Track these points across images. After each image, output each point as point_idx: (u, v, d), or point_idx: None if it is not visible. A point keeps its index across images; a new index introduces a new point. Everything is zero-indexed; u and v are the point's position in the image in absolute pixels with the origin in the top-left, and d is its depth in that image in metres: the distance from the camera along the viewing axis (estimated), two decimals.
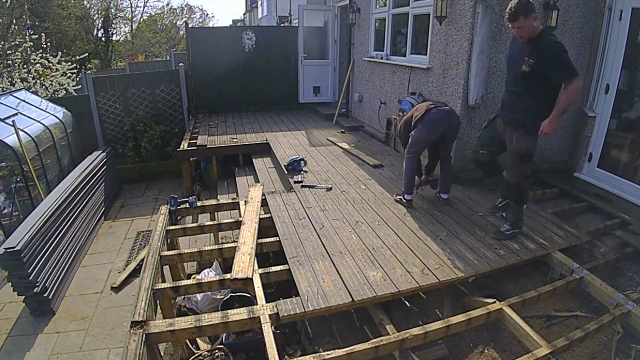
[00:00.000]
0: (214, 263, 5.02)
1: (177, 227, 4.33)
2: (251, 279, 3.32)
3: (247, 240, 3.80)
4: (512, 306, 3.11)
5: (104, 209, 7.79)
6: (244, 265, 3.43)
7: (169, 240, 4.20)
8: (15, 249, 4.61)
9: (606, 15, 4.97)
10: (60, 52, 11.76)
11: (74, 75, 11.57)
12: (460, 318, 2.99)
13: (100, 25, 25.46)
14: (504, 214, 4.32)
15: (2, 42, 10.82)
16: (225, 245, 3.93)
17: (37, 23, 17.66)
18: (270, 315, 2.91)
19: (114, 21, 26.90)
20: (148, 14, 31.71)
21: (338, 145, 7.22)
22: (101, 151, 8.54)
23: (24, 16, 15.89)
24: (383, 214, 4.53)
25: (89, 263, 6.26)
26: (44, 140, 7.25)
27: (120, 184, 9.27)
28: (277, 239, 4.00)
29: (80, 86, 11.43)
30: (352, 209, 4.67)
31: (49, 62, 10.99)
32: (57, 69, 11.12)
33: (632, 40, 4.74)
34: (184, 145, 7.58)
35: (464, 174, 5.33)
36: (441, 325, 2.92)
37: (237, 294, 4.73)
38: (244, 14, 41.82)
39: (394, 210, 4.60)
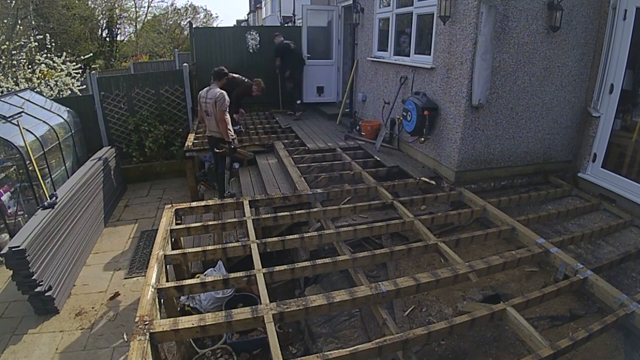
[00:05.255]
0: (218, 262, 5.05)
1: (181, 226, 4.33)
2: None
3: None
4: (515, 307, 3.10)
5: (108, 208, 7.82)
6: None
7: (173, 239, 4.21)
8: (19, 248, 4.64)
9: (610, 15, 4.95)
10: (64, 53, 11.82)
11: (79, 75, 11.62)
12: (464, 318, 2.98)
13: (104, 25, 25.57)
14: None
15: (7, 43, 10.86)
16: (229, 245, 3.93)
17: (41, 23, 17.75)
18: (274, 314, 2.91)
19: (119, 21, 27.02)
20: (152, 15, 31.83)
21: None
22: (105, 151, 8.58)
23: (28, 17, 15.96)
24: None
25: (94, 262, 6.29)
26: (48, 140, 7.30)
27: (125, 183, 9.31)
28: (282, 239, 4.00)
29: (84, 86, 11.47)
30: None
31: (53, 62, 11.04)
32: (61, 69, 11.17)
33: (636, 39, 4.73)
34: (188, 145, 7.60)
35: None
36: (445, 325, 2.91)
37: (240, 293, 4.75)
38: (248, 14, 41.93)
39: None
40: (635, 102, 5.12)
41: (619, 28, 4.88)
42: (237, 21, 45.30)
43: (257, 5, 35.52)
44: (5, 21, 12.34)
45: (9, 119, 6.65)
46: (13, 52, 10.95)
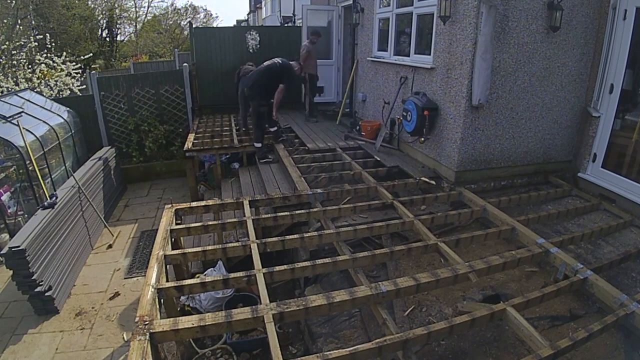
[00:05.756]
0: (218, 262, 5.05)
1: (181, 226, 4.33)
2: None
3: None
4: (515, 307, 3.11)
5: (108, 208, 7.82)
6: None
7: (173, 239, 4.21)
8: (19, 248, 4.64)
9: (610, 15, 4.95)
10: (64, 52, 11.82)
11: (79, 75, 11.63)
12: (464, 318, 2.98)
13: (104, 25, 25.56)
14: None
15: (7, 43, 10.86)
16: (229, 245, 3.93)
17: (41, 23, 17.73)
18: (274, 314, 2.91)
19: (118, 21, 27.00)
20: (152, 15, 31.80)
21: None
22: (105, 151, 8.58)
23: (28, 17, 15.95)
24: None
25: (94, 262, 6.29)
26: (48, 140, 7.30)
27: (125, 183, 9.31)
28: (281, 239, 4.00)
29: (84, 86, 11.48)
30: None
31: (53, 62, 11.05)
32: (61, 69, 11.18)
33: (636, 39, 4.73)
34: (188, 145, 7.60)
35: None
36: (445, 325, 2.91)
37: (240, 293, 4.75)
38: (248, 14, 41.92)
39: None
40: (635, 102, 5.12)
41: (619, 28, 4.88)
42: (237, 21, 45.28)
43: (257, 5, 35.50)
44: (5, 21, 12.34)
45: (9, 119, 6.65)
46: (13, 52, 10.95)
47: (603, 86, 5.14)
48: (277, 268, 3.51)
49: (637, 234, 4.48)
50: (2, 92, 9.24)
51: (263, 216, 4.52)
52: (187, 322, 2.84)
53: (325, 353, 2.66)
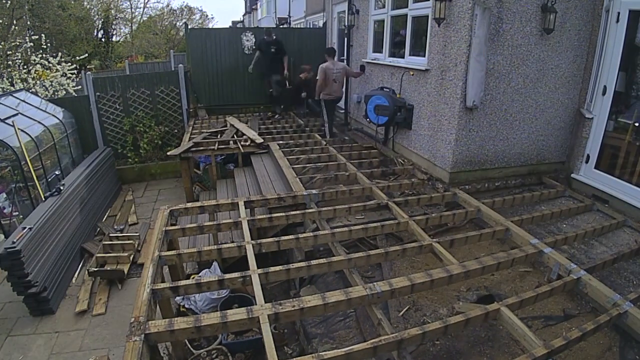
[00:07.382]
0: (213, 264, 5.05)
1: (176, 227, 4.33)
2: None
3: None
4: (509, 307, 3.12)
5: (103, 209, 7.80)
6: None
7: (168, 240, 4.21)
8: (15, 248, 4.63)
9: (603, 18, 4.99)
10: (60, 53, 11.79)
11: (74, 75, 11.58)
12: (458, 318, 3.00)
13: (100, 26, 25.47)
14: None
15: (3, 43, 10.83)
16: (224, 246, 3.94)
17: (37, 24, 17.67)
18: (269, 315, 2.91)
19: (114, 22, 26.91)
20: (148, 15, 31.70)
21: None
22: (101, 151, 8.56)
23: (24, 17, 15.89)
24: None
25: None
26: (44, 141, 7.27)
27: (120, 184, 9.29)
28: (277, 240, 4.00)
29: (80, 87, 11.44)
30: None
31: (49, 62, 11.01)
32: (57, 70, 11.14)
33: (629, 42, 4.78)
34: (183, 146, 7.58)
35: None
36: (439, 325, 2.92)
37: (236, 294, 4.76)
38: (243, 16, 41.86)
39: None
40: (628, 104, 5.16)
41: (612, 30, 4.92)
42: (233, 22, 45.15)
43: (253, 7, 35.46)
44: (0, 21, 12.28)
45: (4, 120, 6.63)
46: (8, 52, 10.91)
47: (596, 88, 5.18)
48: (272, 269, 3.51)
49: (630, 234, 4.52)
50: None
51: (258, 217, 4.52)
52: (182, 322, 2.84)
53: (321, 353, 2.67)
